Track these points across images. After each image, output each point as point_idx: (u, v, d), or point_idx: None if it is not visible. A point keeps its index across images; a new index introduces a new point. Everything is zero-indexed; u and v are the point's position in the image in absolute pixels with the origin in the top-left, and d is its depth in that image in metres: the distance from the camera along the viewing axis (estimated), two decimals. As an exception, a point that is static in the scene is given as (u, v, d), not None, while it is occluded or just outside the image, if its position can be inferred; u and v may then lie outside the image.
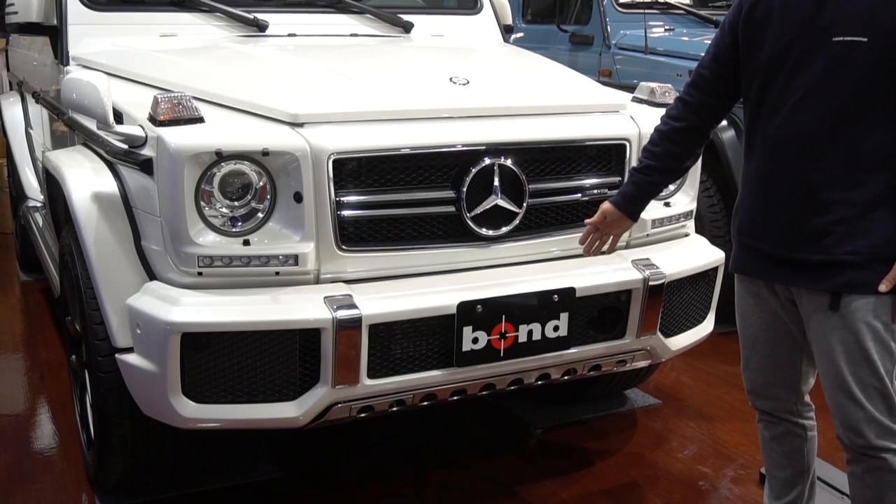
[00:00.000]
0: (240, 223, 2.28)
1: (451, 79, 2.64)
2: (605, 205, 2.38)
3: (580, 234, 2.45)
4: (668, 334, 2.76)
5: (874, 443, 2.06)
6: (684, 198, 2.89)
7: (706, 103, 2.26)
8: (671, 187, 2.84)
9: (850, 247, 1.99)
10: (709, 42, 4.90)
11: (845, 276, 2.00)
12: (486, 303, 2.39)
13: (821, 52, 1.96)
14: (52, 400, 3.61)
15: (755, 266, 2.19)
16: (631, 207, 2.37)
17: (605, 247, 2.45)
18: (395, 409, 2.45)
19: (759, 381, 2.34)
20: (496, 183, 2.49)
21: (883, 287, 1.98)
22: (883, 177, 1.97)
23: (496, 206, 2.50)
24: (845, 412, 2.07)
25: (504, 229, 2.54)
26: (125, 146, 2.38)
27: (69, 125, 2.96)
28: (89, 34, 3.21)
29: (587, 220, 2.43)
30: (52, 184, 3.03)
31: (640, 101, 2.93)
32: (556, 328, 2.49)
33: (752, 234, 2.17)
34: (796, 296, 2.12)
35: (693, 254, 2.86)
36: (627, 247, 2.76)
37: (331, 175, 2.29)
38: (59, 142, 3.57)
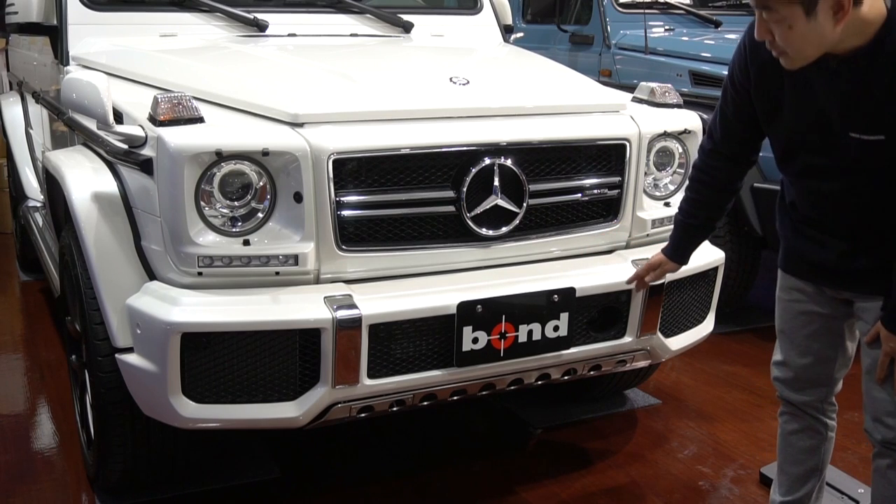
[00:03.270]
0: (240, 223, 2.28)
1: (451, 79, 2.64)
2: (659, 255, 2.48)
3: (578, 235, 2.47)
4: (668, 334, 2.76)
5: None
6: (684, 198, 2.89)
7: (738, 153, 2.28)
8: (671, 187, 2.85)
9: None
10: (709, 42, 4.87)
11: None
12: (486, 303, 2.39)
13: (840, 143, 1.96)
14: (52, 400, 3.61)
15: (807, 271, 2.20)
16: (681, 256, 2.47)
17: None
18: (395, 409, 2.45)
19: (791, 375, 2.34)
20: (496, 183, 2.49)
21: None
22: None
23: (496, 206, 2.50)
24: (877, 404, 2.10)
25: (504, 229, 2.53)
26: (125, 146, 2.38)
27: (69, 125, 2.96)
28: (89, 34, 3.21)
29: (639, 273, 2.53)
30: (52, 184, 3.03)
31: (640, 101, 2.92)
32: (556, 328, 2.49)
33: (803, 245, 2.18)
34: (850, 295, 2.14)
35: (693, 254, 2.85)
36: (627, 247, 2.77)
37: (331, 175, 2.29)
38: (59, 142, 3.58)
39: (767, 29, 1.86)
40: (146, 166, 2.29)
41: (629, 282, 2.56)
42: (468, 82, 2.64)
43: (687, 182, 2.43)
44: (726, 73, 2.20)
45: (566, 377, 2.69)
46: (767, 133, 2.15)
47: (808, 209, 2.14)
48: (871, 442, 2.16)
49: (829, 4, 1.77)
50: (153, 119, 2.28)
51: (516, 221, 2.54)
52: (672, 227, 2.47)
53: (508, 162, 2.50)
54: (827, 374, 2.31)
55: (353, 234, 2.38)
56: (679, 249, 2.45)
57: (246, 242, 2.26)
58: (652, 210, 2.79)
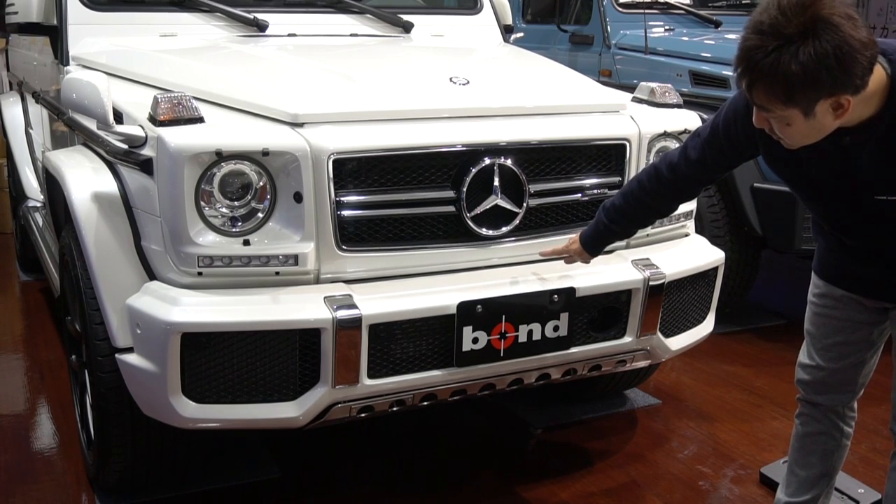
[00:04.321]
0: (240, 223, 2.28)
1: (451, 79, 2.64)
2: (578, 245, 2.47)
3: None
4: (668, 334, 2.76)
5: None
6: (684, 198, 2.89)
7: (692, 190, 2.33)
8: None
9: None
10: (709, 42, 4.86)
11: None
12: (486, 303, 2.39)
13: (864, 205, 1.93)
14: (52, 400, 3.61)
15: (846, 282, 2.19)
16: (597, 250, 2.48)
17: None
18: (395, 409, 2.45)
19: (818, 378, 2.34)
20: (496, 183, 2.49)
21: None
22: None
23: (496, 206, 2.50)
24: None
25: (504, 229, 2.53)
26: (125, 146, 2.38)
27: (69, 125, 2.96)
28: (89, 34, 3.21)
29: (556, 249, 2.52)
30: (52, 184, 3.03)
31: (640, 101, 2.93)
32: (556, 328, 2.49)
33: (843, 261, 2.17)
34: (890, 304, 2.14)
35: (693, 254, 2.86)
36: (627, 247, 2.76)
37: (331, 175, 2.29)
38: (59, 142, 3.58)
39: (765, 119, 1.80)
40: (146, 166, 2.29)
41: (542, 253, 2.55)
42: (468, 82, 2.64)
43: (624, 190, 2.39)
44: (721, 119, 2.08)
45: (566, 377, 2.68)
46: (790, 189, 2.13)
47: (846, 240, 2.12)
48: (895, 441, 2.18)
49: (828, 105, 1.68)
50: (153, 119, 2.28)
51: (516, 221, 2.54)
52: (597, 220, 2.44)
53: (508, 162, 2.50)
54: (854, 378, 2.31)
55: (353, 234, 2.38)
56: (596, 245, 2.46)
57: (246, 242, 2.26)
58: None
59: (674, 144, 2.82)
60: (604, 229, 2.41)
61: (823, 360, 2.31)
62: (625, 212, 2.37)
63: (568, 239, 2.53)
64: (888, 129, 1.80)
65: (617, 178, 2.70)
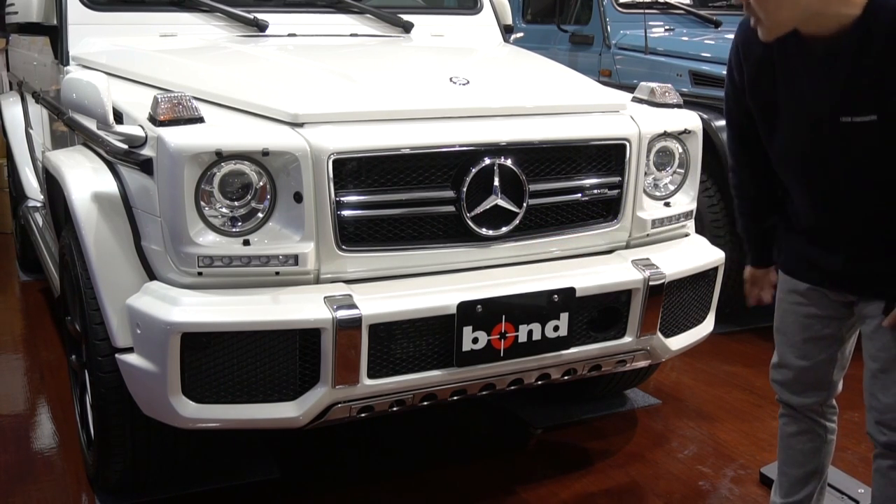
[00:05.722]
0: (240, 223, 2.28)
1: (451, 79, 2.64)
2: (746, 270, 2.44)
3: (578, 235, 2.48)
4: (668, 334, 2.76)
5: None
6: (684, 198, 2.89)
7: (757, 151, 2.26)
8: (671, 187, 2.85)
9: None
10: (709, 42, 4.88)
11: None
12: (486, 303, 2.39)
13: (832, 131, 1.95)
14: (52, 400, 3.61)
15: (811, 274, 2.19)
16: (763, 261, 2.41)
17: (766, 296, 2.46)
18: (395, 409, 2.45)
19: (791, 377, 2.34)
20: (496, 183, 2.49)
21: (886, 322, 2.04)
22: None
23: (496, 206, 2.50)
24: (881, 408, 2.10)
25: (504, 229, 2.53)
26: (125, 146, 2.38)
27: (69, 125, 2.96)
28: (89, 34, 3.21)
29: (756, 296, 2.45)
30: (52, 184, 3.03)
31: (640, 101, 2.92)
32: (556, 328, 2.49)
33: (808, 250, 2.17)
34: (854, 298, 2.14)
35: (693, 254, 2.86)
36: (627, 247, 2.77)
37: (331, 175, 2.29)
38: (59, 142, 3.58)
39: None
40: (146, 166, 2.29)
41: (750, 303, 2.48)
42: (468, 82, 2.64)
43: (733, 186, 2.37)
44: (728, 66, 2.23)
45: (566, 377, 2.68)
46: (763, 134, 2.15)
47: (812, 219, 2.13)
48: (874, 443, 2.16)
49: None
50: (153, 119, 2.28)
51: (516, 221, 2.54)
52: (743, 230, 2.41)
53: (508, 162, 2.50)
54: (826, 377, 2.31)
55: (353, 234, 2.38)
56: (762, 254, 2.40)
57: (246, 242, 2.26)
58: (652, 210, 2.78)
59: (674, 144, 2.82)
60: (753, 229, 2.36)
61: (793, 359, 2.31)
62: (750, 206, 2.34)
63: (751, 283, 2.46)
64: (861, 39, 1.84)
65: (616, 178, 2.70)
